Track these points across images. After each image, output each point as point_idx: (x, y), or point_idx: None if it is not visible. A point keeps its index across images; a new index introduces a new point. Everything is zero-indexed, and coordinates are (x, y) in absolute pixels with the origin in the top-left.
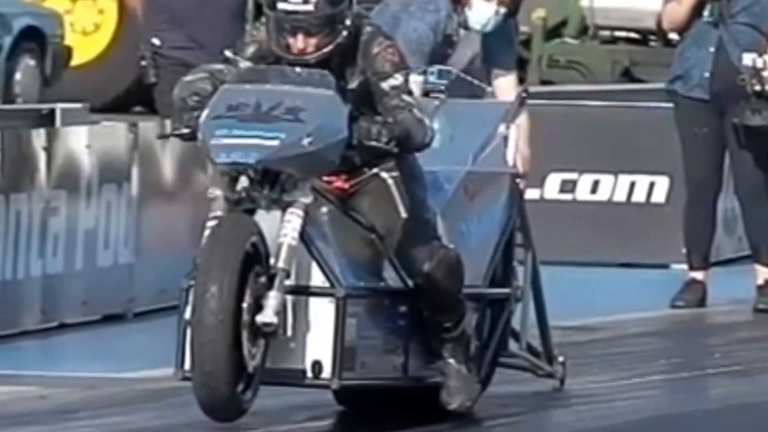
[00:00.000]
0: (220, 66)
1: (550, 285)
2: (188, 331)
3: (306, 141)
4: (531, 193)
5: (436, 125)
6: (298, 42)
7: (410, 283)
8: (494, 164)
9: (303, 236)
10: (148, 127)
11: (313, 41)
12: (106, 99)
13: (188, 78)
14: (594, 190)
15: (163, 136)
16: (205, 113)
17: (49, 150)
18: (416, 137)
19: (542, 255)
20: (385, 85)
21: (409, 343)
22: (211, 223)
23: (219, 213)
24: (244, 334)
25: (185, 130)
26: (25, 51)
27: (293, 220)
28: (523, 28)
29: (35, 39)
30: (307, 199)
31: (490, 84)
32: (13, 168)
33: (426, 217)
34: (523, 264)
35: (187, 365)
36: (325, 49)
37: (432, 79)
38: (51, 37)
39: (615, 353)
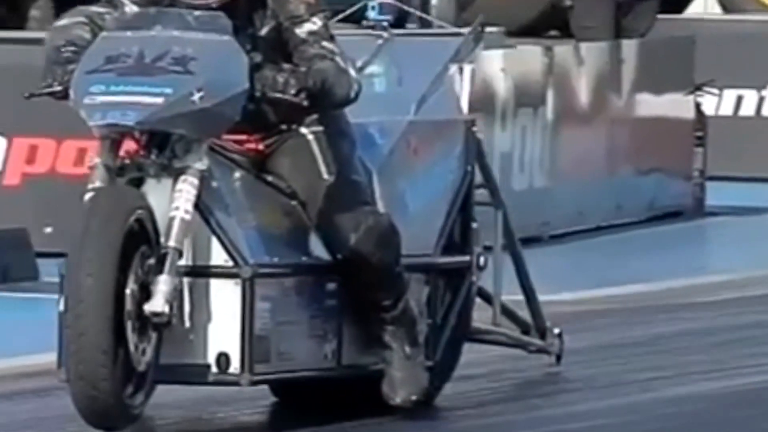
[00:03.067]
0: (101, 9)
1: None
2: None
3: (196, 96)
4: None
5: (379, 68)
6: None
7: (339, 255)
8: (444, 111)
9: (200, 207)
10: (564, 50)
11: None
12: (521, 22)
13: (62, 23)
14: None
15: (31, 95)
16: (79, 66)
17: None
18: (337, 90)
19: None
20: (301, 31)
21: (341, 327)
22: (87, 197)
23: (98, 184)
24: (129, 327)
25: (58, 88)
26: None
27: (185, 189)
28: None
29: None
30: (202, 165)
31: None
32: None
33: (353, 179)
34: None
35: None
36: None
37: (373, 14)
38: None
39: None
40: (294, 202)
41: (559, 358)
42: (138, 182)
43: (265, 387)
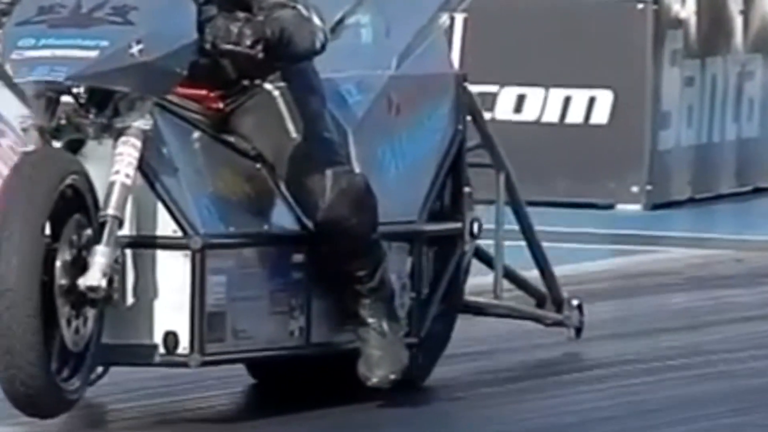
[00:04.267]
0: None
1: None
2: None
3: (135, 49)
4: None
5: (364, 17)
6: None
7: (309, 223)
8: (431, 65)
9: (145, 171)
10: None
11: None
12: None
13: None
14: None
15: None
16: (10, 18)
17: (745, 14)
18: (297, 40)
19: None
20: None
21: (310, 301)
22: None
23: (32, 148)
24: (61, 304)
25: None
26: None
27: (126, 151)
28: None
29: None
30: (145, 124)
31: None
32: (709, 32)
33: (325, 137)
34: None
35: None
36: None
37: None
38: None
39: None
40: (258, 165)
41: (579, 331)
42: (78, 145)
43: (239, 369)
